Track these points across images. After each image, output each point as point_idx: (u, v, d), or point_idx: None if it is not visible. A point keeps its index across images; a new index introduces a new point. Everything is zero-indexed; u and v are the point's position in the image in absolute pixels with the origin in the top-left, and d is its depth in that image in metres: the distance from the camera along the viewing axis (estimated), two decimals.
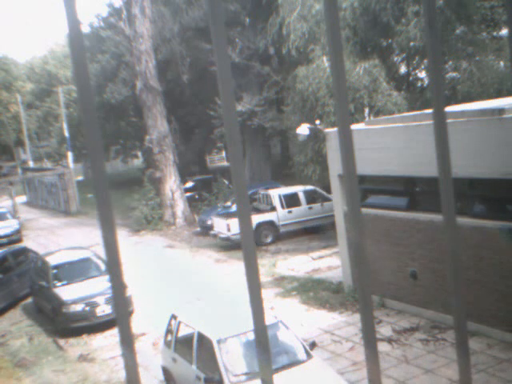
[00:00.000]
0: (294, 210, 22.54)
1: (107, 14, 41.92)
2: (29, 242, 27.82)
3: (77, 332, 15.37)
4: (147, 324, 15.35)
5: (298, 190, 22.93)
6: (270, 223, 22.58)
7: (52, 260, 17.65)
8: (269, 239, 22.62)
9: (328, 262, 18.83)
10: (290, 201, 22.73)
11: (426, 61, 20.19)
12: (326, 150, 15.37)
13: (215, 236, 23.39)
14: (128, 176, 49.67)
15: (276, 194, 22.85)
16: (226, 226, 22.10)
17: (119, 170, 58.04)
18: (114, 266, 1.07)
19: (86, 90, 1.02)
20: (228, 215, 23.06)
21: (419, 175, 12.54)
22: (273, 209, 22.78)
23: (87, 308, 15.40)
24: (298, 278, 17.66)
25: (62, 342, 15.27)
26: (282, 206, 22.74)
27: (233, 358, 9.30)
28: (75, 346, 14.85)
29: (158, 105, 29.61)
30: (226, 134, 1.13)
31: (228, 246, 22.93)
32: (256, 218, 22.00)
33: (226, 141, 1.12)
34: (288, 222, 22.62)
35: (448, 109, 11.66)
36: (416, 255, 12.96)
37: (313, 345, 10.12)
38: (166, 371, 11.21)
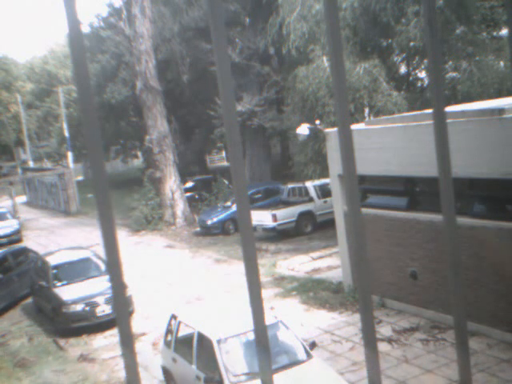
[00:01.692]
0: (329, 199, 23.13)
1: (107, 14, 41.90)
2: (29, 242, 27.82)
3: (77, 332, 15.37)
4: (147, 324, 15.35)
5: (329, 180, 23.43)
6: (309, 213, 23.52)
7: (52, 260, 17.65)
8: (309, 228, 23.62)
9: (328, 262, 18.83)
10: (324, 191, 23.31)
11: (426, 61, 20.19)
12: (326, 150, 15.37)
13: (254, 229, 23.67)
14: (128, 176, 49.67)
15: (311, 185, 23.63)
16: (272, 217, 22.80)
17: (119, 169, 58.01)
18: (114, 266, 1.07)
19: (85, 89, 1.02)
20: (269, 206, 23.91)
21: (419, 175, 12.54)
22: (310, 200, 23.70)
23: (87, 308, 15.40)
24: (298, 278, 17.65)
25: (62, 341, 15.27)
26: (318, 197, 23.66)
27: (233, 358, 9.30)
28: (75, 346, 14.85)
29: (158, 105, 29.61)
30: (226, 134, 1.13)
31: (270, 236, 23.57)
32: (297, 209, 23.35)
33: (226, 141, 1.12)
34: (324, 212, 23.21)
35: (448, 109, 11.66)
36: (416, 255, 12.96)
37: (313, 345, 10.12)
38: (166, 371, 11.21)
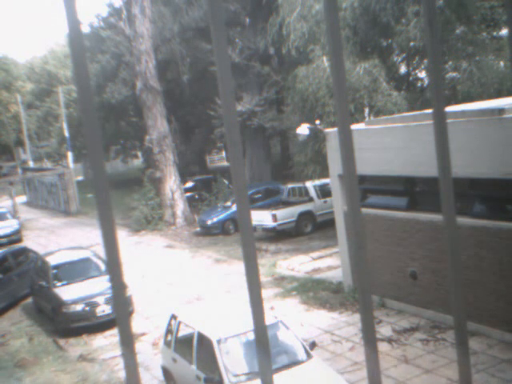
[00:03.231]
0: (329, 199, 23.06)
1: (107, 13, 41.93)
2: (29, 242, 27.81)
3: (77, 332, 15.37)
4: (147, 324, 15.35)
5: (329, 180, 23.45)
6: (309, 213, 23.50)
7: (52, 260, 17.65)
8: (309, 228, 23.59)
9: (328, 262, 18.83)
10: (324, 191, 23.24)
11: (426, 61, 20.18)
12: (326, 150, 15.37)
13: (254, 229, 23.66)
14: (128, 176, 49.67)
15: (311, 185, 23.60)
16: (272, 217, 22.79)
17: (119, 170, 57.99)
18: (114, 266, 1.07)
19: (85, 90, 1.02)
20: (269, 206, 23.87)
21: (419, 175, 12.54)
22: (310, 199, 23.69)
23: (87, 308, 15.40)
24: (298, 278, 17.65)
25: (62, 341, 15.27)
26: (318, 197, 23.65)
27: (233, 358, 9.30)
28: (75, 346, 14.85)
29: (158, 105, 29.60)
30: (226, 134, 1.13)
31: (269, 236, 23.65)
32: (297, 209, 23.33)
33: (226, 141, 1.12)
34: (324, 212, 23.19)
35: (448, 109, 11.66)
36: (416, 255, 12.96)
37: (313, 345, 10.12)
38: (166, 371, 11.21)
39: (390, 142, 13.02)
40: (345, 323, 13.50)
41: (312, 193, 23.78)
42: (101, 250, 15.89)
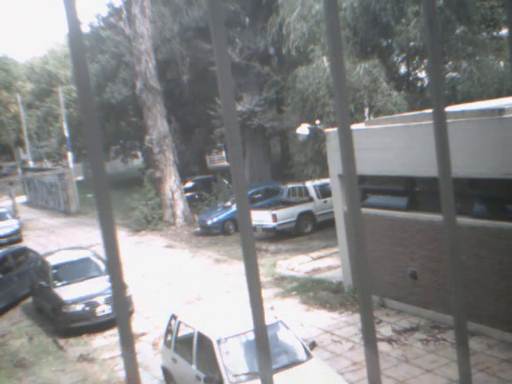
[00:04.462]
0: (329, 199, 23.06)
1: (107, 14, 41.92)
2: (29, 242, 27.81)
3: (77, 332, 15.37)
4: (147, 324, 15.35)
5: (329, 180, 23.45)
6: (309, 213, 23.51)
7: (52, 260, 17.65)
8: (309, 228, 23.60)
9: (328, 262, 18.83)
10: (324, 191, 23.21)
11: (426, 61, 20.18)
12: (326, 150, 15.37)
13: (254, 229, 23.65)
14: (128, 176, 49.66)
15: (311, 185, 23.60)
16: (272, 217, 22.78)
17: (119, 169, 57.98)
18: (114, 266, 1.07)
19: (85, 90, 1.02)
20: (269, 206, 23.87)
21: (419, 175, 12.54)
22: (310, 199, 23.71)
23: (87, 308, 15.40)
24: (298, 278, 17.65)
25: (62, 342, 15.27)
26: (318, 197, 23.66)
27: (233, 358, 9.30)
28: (75, 346, 14.85)
29: (158, 105, 29.60)
30: (226, 134, 1.13)
31: (269, 236, 23.70)
32: (297, 209, 23.36)
33: (226, 141, 1.12)
34: (324, 212, 23.20)
35: (448, 109, 11.66)
36: (416, 255, 12.96)
37: (313, 345, 10.12)
38: (166, 371, 11.21)
39: (390, 142, 13.02)
40: (345, 323, 13.50)
41: (312, 193, 23.77)
42: (101, 250, 15.89)
